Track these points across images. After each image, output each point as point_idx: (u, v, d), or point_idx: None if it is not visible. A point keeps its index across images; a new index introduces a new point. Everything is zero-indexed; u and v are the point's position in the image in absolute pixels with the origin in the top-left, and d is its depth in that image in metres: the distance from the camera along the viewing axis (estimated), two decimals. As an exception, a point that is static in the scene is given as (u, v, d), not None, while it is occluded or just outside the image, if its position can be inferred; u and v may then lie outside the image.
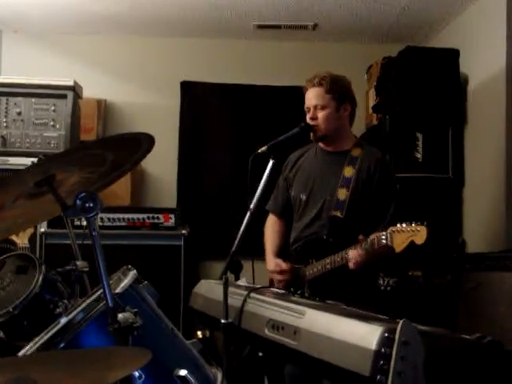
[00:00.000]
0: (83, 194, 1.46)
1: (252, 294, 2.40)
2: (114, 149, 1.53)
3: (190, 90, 5.20)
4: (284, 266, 2.92)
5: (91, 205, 1.48)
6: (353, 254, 2.60)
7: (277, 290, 2.65)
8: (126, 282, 1.79)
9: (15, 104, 4.02)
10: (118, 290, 1.70)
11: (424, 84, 4.18)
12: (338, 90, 2.88)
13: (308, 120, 2.89)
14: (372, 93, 4.66)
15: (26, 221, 1.83)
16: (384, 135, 4.26)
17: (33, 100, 4.04)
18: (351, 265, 2.61)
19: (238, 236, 2.48)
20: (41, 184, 1.49)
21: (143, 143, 1.57)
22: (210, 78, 5.18)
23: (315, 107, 2.87)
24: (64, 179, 1.55)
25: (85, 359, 1.23)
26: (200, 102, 5.18)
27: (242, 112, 5.15)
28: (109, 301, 1.48)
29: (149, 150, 1.62)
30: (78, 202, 1.47)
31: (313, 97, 2.89)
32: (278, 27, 4.95)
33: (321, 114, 2.86)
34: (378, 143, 3.81)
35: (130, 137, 1.56)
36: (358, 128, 4.07)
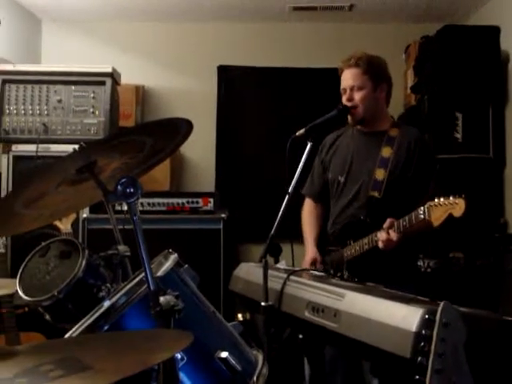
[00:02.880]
0: (124, 180, 1.48)
1: (292, 277, 2.41)
2: (154, 134, 1.55)
3: (226, 74, 5.20)
4: (318, 265, 2.94)
5: (132, 190, 1.50)
6: (381, 235, 2.59)
7: (316, 273, 2.66)
8: (167, 265, 1.82)
9: (55, 92, 4.07)
10: (159, 274, 1.72)
11: (463, 63, 4.11)
12: (375, 71, 2.85)
13: (344, 101, 2.87)
14: (410, 73, 4.60)
15: (68, 207, 1.87)
16: (423, 115, 4.21)
17: (72, 87, 4.08)
18: (380, 244, 2.60)
19: (277, 219, 2.49)
20: (82, 170, 1.52)
21: (182, 128, 1.59)
22: (246, 62, 5.18)
23: (352, 88, 2.85)
24: (105, 165, 1.57)
25: (128, 341, 1.25)
26: (237, 86, 5.19)
27: (278, 95, 5.14)
28: (151, 284, 1.50)
29: (187, 135, 1.63)
30: (119, 187, 1.50)
31: (349, 78, 2.86)
32: (314, 8, 4.91)
33: (358, 95, 2.84)
34: (416, 124, 3.77)
35: (168, 122, 1.58)
36: (397, 109, 4.04)
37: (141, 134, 1.54)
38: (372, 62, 2.85)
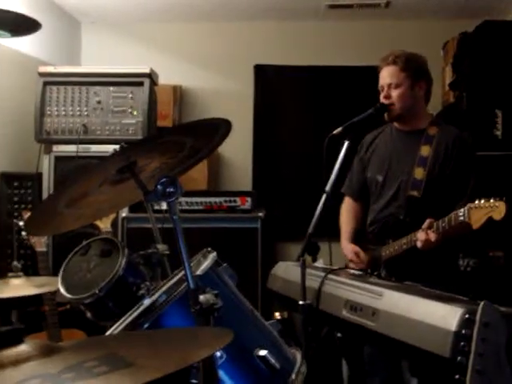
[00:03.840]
0: (164, 179, 1.50)
1: (329, 276, 2.42)
2: (193, 134, 1.57)
3: (263, 74, 5.21)
4: (362, 255, 2.92)
5: (172, 189, 1.53)
6: (420, 235, 2.57)
7: (354, 271, 2.66)
8: (206, 264, 1.83)
9: (95, 93, 4.13)
10: (198, 272, 1.74)
11: (503, 59, 4.04)
12: (413, 68, 2.83)
13: (382, 99, 2.86)
14: (448, 70, 4.55)
15: (109, 206, 1.90)
16: (462, 113, 4.16)
17: (111, 88, 4.13)
18: (419, 244, 2.58)
19: (315, 218, 2.49)
20: (123, 170, 1.55)
21: (221, 128, 1.60)
22: (282, 61, 5.18)
23: (389, 86, 2.84)
24: (145, 165, 1.59)
25: (168, 339, 1.27)
26: (273, 85, 5.20)
27: (315, 94, 5.13)
28: (190, 282, 1.52)
29: (226, 135, 1.65)
30: (159, 187, 1.52)
31: (387, 75, 2.85)
32: (350, 6, 4.89)
33: (395, 93, 2.83)
34: (455, 121, 3.72)
35: (208, 122, 1.59)
36: (435, 106, 3.99)
37: (181, 134, 1.56)
38: (410, 60, 2.84)
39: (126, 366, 0.97)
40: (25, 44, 4.16)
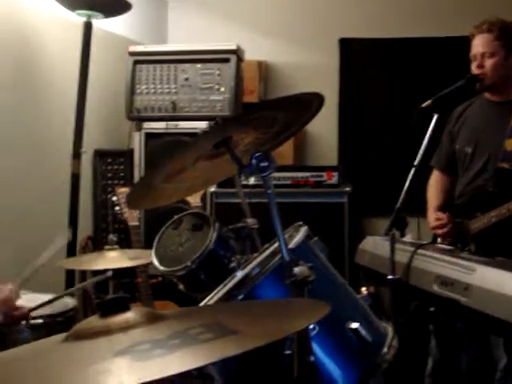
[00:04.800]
0: (259, 154, 1.53)
1: (419, 250, 2.40)
2: (286, 109, 1.58)
3: (348, 47, 5.16)
4: (445, 218, 2.87)
5: (266, 164, 1.55)
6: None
7: (444, 246, 2.63)
8: (298, 237, 1.86)
9: (183, 70, 4.20)
10: (291, 246, 1.76)
11: None
12: (509, 37, 2.75)
13: (474, 68, 2.79)
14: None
15: (204, 181, 1.95)
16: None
17: (199, 66, 4.19)
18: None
19: (403, 192, 2.47)
20: (219, 145, 1.58)
21: (313, 103, 1.61)
22: (368, 34, 5.10)
23: (482, 55, 2.77)
24: (239, 140, 1.62)
25: (265, 309, 1.30)
26: (359, 59, 5.13)
27: (402, 66, 5.03)
28: (285, 255, 1.55)
29: (318, 110, 1.65)
30: (254, 161, 1.55)
31: (480, 44, 2.78)
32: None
33: (488, 62, 2.76)
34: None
35: (301, 97, 1.60)
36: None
37: (274, 109, 1.58)
38: (506, 29, 2.75)
39: (230, 333, 1.00)
40: (116, 24, 4.27)
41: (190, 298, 2.24)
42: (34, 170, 3.55)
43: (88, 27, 3.60)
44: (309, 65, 5.23)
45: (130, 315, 1.12)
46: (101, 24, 3.92)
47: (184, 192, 2.02)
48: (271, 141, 1.73)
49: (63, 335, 1.15)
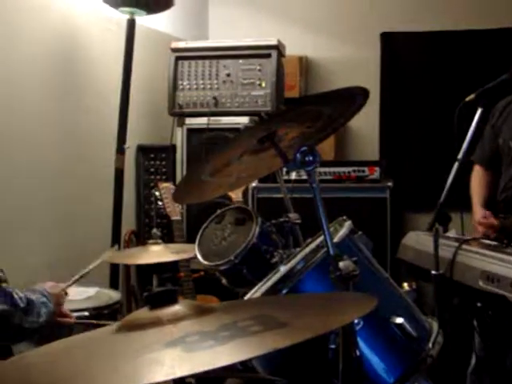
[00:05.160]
0: (304, 148, 1.53)
1: (463, 246, 2.37)
2: (331, 103, 1.59)
3: (390, 41, 5.11)
4: (493, 220, 2.83)
5: (311, 158, 1.56)
6: None
7: (489, 242, 2.59)
8: (342, 232, 1.86)
9: (224, 66, 4.22)
10: (335, 240, 1.76)
11: None
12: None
13: (520, 62, 2.75)
14: None
15: (248, 175, 1.96)
16: None
17: (240, 61, 4.21)
18: None
19: (446, 187, 2.45)
20: (263, 140, 1.59)
21: (358, 97, 1.61)
22: (410, 28, 5.04)
23: (528, 48, 2.73)
24: (284, 134, 1.63)
25: (311, 303, 1.31)
26: (401, 53, 5.08)
27: (445, 60, 4.96)
28: (330, 249, 1.55)
29: (363, 104, 1.65)
30: (298, 155, 1.55)
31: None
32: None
33: (534, 56, 2.71)
34: None
35: (346, 91, 1.60)
36: None
37: (319, 104, 1.58)
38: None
39: (279, 325, 1.01)
40: (158, 21, 4.31)
41: (231, 292, 2.26)
42: (80, 165, 3.61)
43: (131, 24, 3.64)
44: (350, 59, 5.20)
45: (178, 308, 1.14)
46: (144, 21, 3.96)
47: (229, 186, 2.04)
48: (316, 135, 1.74)
49: (114, 326, 1.18)
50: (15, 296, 1.89)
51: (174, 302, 1.15)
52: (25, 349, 1.99)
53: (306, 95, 4.83)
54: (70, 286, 2.33)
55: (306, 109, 1.59)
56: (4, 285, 1.89)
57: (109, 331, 1.18)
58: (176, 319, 1.10)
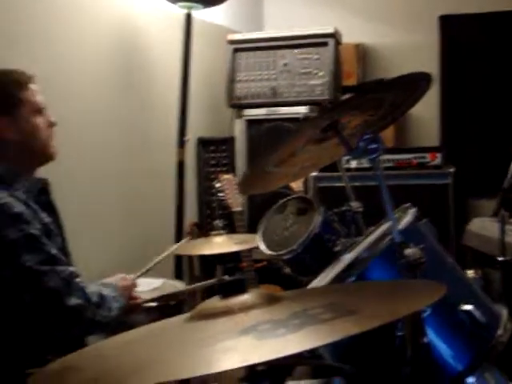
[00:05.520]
0: (367, 136, 1.53)
1: (532, 231, 2.33)
2: (394, 90, 1.58)
3: (448, 24, 5.01)
4: None
5: (374, 146, 1.55)
6: None
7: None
8: (407, 219, 1.85)
9: (281, 56, 4.22)
10: (400, 227, 1.75)
11: None
12: None
13: None
14: None
15: (311, 165, 1.97)
16: None
17: (297, 51, 4.20)
18: None
19: (510, 172, 2.41)
20: (327, 129, 1.59)
21: (421, 83, 1.59)
22: (468, 9, 4.93)
23: None
24: (347, 123, 1.63)
25: (379, 291, 1.30)
26: (460, 35, 4.98)
27: (507, 42, 4.84)
28: (396, 236, 1.55)
29: (426, 90, 1.63)
30: (362, 143, 1.55)
31: None
32: None
33: None
34: None
35: (409, 77, 1.58)
36: None
37: (382, 91, 1.58)
38: None
39: (349, 313, 1.02)
40: (214, 14, 4.35)
41: (294, 281, 2.27)
42: (143, 160, 3.68)
43: (189, 19, 3.68)
44: (407, 45, 5.12)
45: (248, 297, 1.15)
46: (200, 15, 4.00)
47: (293, 176, 2.06)
48: (378, 123, 1.73)
49: (186, 315, 1.20)
50: (88, 291, 1.95)
51: (244, 291, 1.17)
52: (97, 341, 2.05)
53: (368, 82, 4.78)
54: (139, 277, 2.39)
55: (369, 96, 1.59)
56: (77, 280, 1.94)
57: (181, 320, 1.21)
58: (246, 308, 1.12)
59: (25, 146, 2.04)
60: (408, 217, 1.87)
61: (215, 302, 1.17)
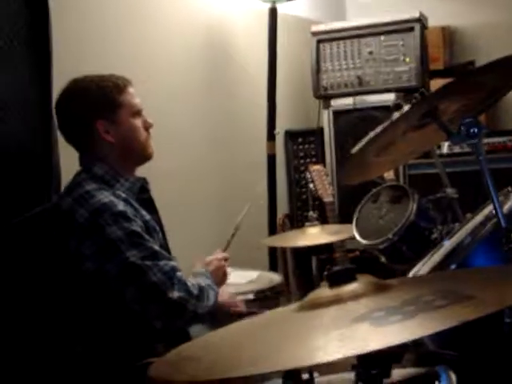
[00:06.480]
0: (467, 120, 1.51)
1: None
2: (495, 73, 1.54)
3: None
4: None
5: (475, 130, 1.53)
6: None
7: None
8: (509, 203, 1.81)
9: (366, 44, 4.18)
10: (504, 212, 1.71)
11: None
12: None
13: None
14: None
15: (410, 152, 1.96)
16: None
17: (382, 38, 4.15)
18: None
19: None
20: (426, 115, 1.58)
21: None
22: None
23: None
24: (446, 108, 1.61)
25: (494, 276, 1.28)
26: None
27: None
28: (502, 221, 1.52)
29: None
30: (463, 128, 1.53)
31: None
32: None
33: None
34: None
35: (508, 59, 1.55)
36: None
37: (483, 74, 1.55)
38: None
39: (465, 298, 1.01)
40: (297, 7, 4.35)
41: (388, 270, 2.26)
42: (234, 154, 3.74)
43: (273, 13, 3.71)
44: (495, 24, 4.95)
45: (357, 285, 1.16)
46: (284, 9, 4.02)
47: (392, 163, 2.05)
48: (478, 106, 1.70)
49: (295, 305, 1.22)
50: (189, 284, 2.00)
51: (353, 279, 1.18)
52: (199, 331, 2.10)
53: (462, 65, 4.66)
54: (227, 248, 2.45)
55: (468, 81, 1.56)
56: (179, 274, 1.99)
57: (290, 311, 1.22)
58: (357, 296, 1.12)
59: (125, 147, 2.12)
60: (510, 201, 1.83)
61: (324, 292, 1.18)
